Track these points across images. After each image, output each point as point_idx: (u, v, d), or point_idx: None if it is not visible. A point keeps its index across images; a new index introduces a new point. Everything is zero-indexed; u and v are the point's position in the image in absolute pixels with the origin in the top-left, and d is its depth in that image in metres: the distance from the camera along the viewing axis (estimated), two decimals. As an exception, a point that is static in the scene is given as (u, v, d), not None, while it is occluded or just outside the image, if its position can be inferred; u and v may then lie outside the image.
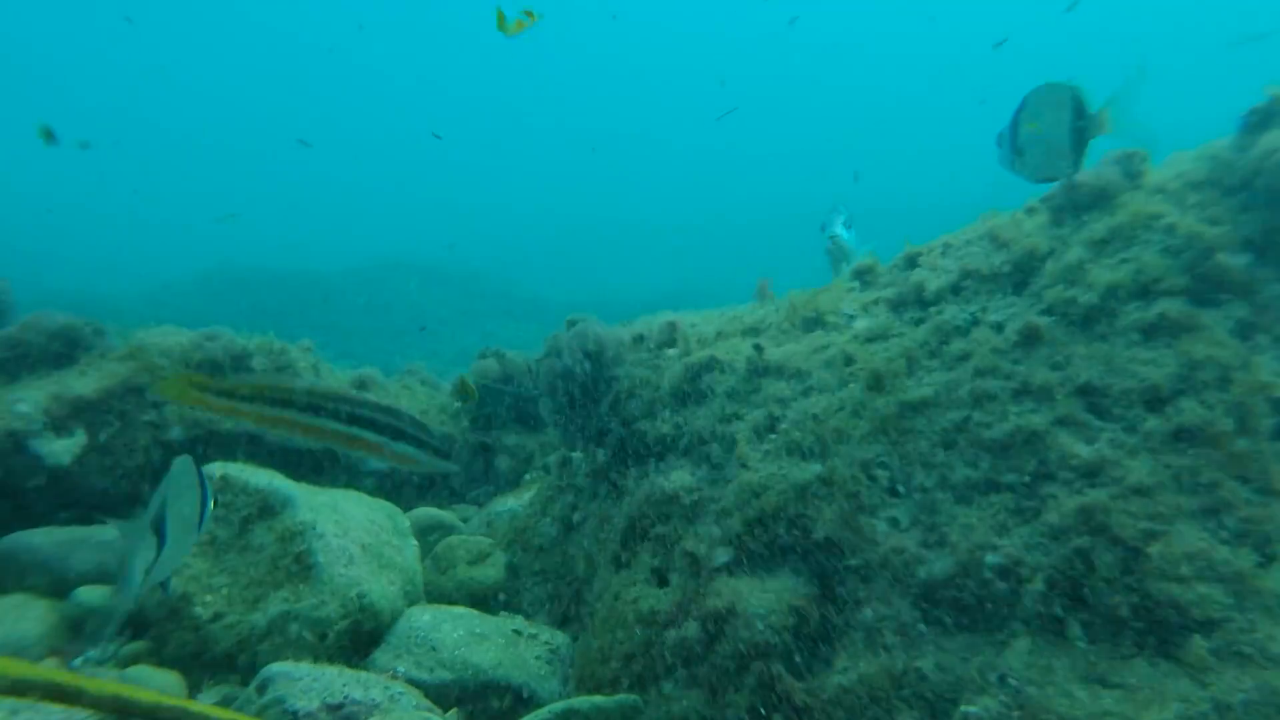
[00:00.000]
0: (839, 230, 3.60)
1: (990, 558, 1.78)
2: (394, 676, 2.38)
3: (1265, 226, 2.07)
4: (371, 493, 3.33)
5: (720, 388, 2.57)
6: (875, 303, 2.67)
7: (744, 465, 2.21)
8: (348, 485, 3.36)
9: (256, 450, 3.55)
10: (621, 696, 2.03)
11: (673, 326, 2.93)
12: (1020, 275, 2.36)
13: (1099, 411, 1.93)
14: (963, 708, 1.60)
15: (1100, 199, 2.36)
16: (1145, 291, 2.05)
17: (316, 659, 2.37)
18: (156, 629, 2.61)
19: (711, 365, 2.64)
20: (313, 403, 2.08)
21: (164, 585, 1.98)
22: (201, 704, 1.87)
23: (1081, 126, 2.13)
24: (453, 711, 2.34)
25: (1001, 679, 1.62)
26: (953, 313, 2.35)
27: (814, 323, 2.74)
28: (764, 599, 1.92)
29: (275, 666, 2.19)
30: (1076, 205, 2.39)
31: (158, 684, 2.37)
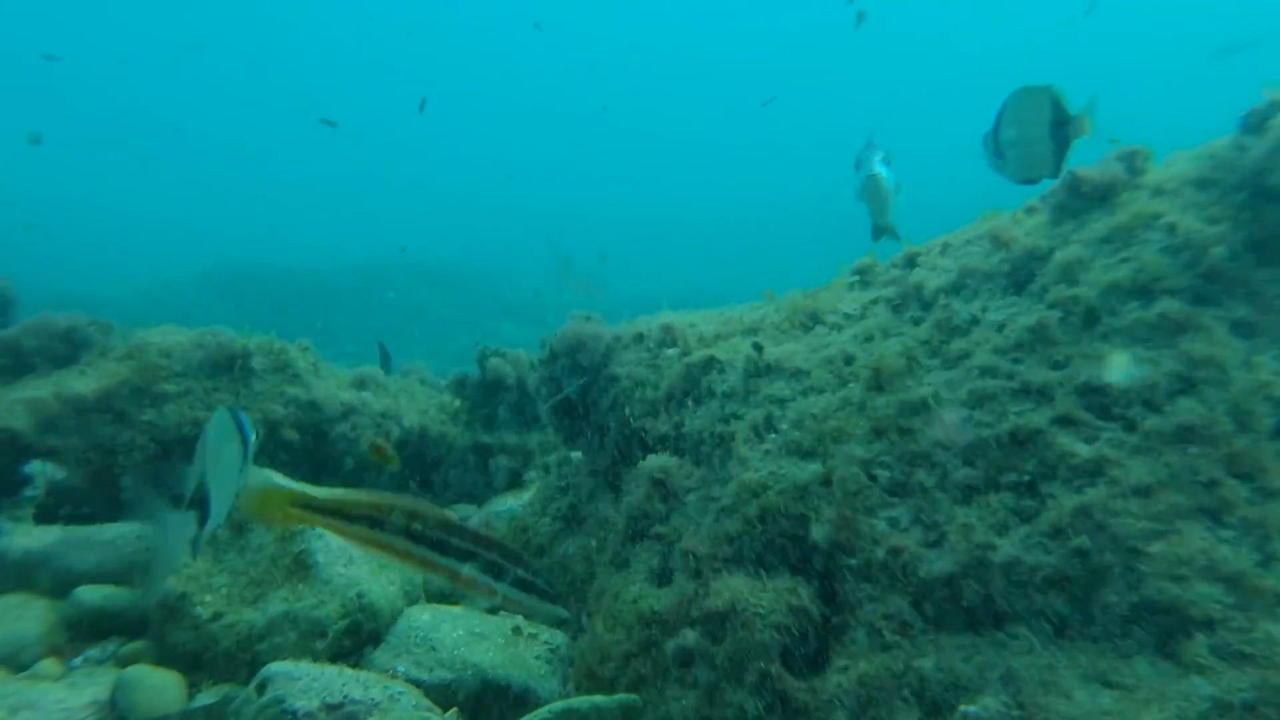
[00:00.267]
0: (878, 168, 3.10)
1: (990, 557, 1.78)
2: (394, 676, 2.38)
3: (1268, 225, 2.07)
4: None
5: (720, 388, 2.57)
6: (875, 302, 2.67)
7: (743, 465, 2.21)
8: (347, 484, 3.35)
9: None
10: (621, 696, 2.02)
11: (669, 328, 2.93)
12: (1020, 274, 2.36)
13: (1099, 411, 1.93)
14: (962, 707, 1.60)
15: (1102, 197, 2.35)
16: (1145, 290, 2.05)
17: (316, 658, 2.38)
18: (156, 628, 2.61)
19: (711, 365, 2.64)
20: (416, 530, 2.03)
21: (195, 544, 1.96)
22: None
23: (1062, 128, 2.14)
24: (452, 711, 2.34)
25: (1001, 678, 1.62)
26: (952, 312, 2.34)
27: (813, 322, 2.74)
28: (764, 599, 1.92)
29: (275, 666, 2.19)
30: (1078, 204, 2.39)
31: (156, 683, 2.37)
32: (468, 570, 2.04)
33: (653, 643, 2.10)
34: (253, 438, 1.94)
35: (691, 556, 2.14)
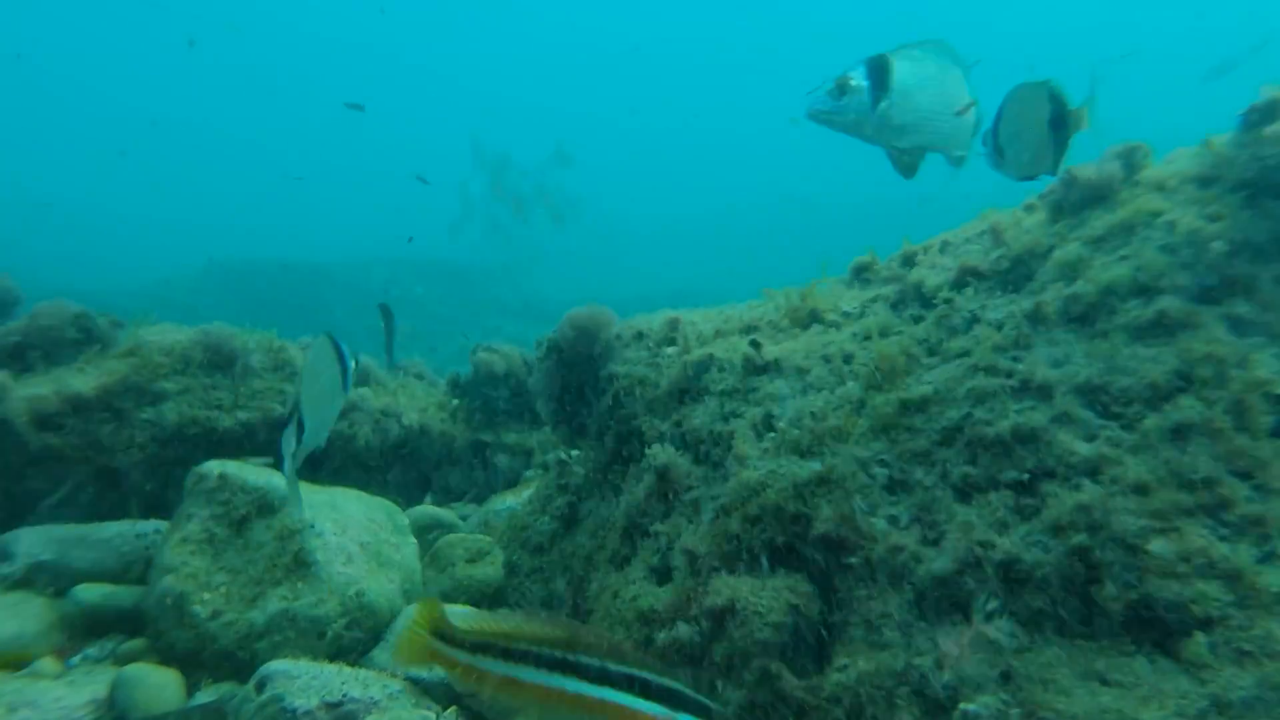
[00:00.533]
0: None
1: (990, 555, 1.78)
2: (393, 674, 2.38)
3: (1268, 222, 2.07)
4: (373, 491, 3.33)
5: (719, 386, 2.56)
6: (874, 300, 2.67)
7: (742, 463, 2.21)
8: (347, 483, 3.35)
9: (253, 447, 3.55)
10: (620, 694, 2.02)
11: (674, 324, 2.93)
12: (1020, 272, 2.36)
13: (1098, 409, 1.93)
14: (962, 705, 1.60)
15: (1100, 195, 2.35)
16: (1145, 289, 2.04)
17: (315, 657, 2.37)
18: (154, 627, 2.61)
19: (710, 363, 2.64)
20: (608, 670, 1.56)
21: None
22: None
23: (1061, 123, 2.10)
24: (451, 709, 2.34)
25: (1001, 676, 1.62)
26: (952, 310, 2.34)
27: (812, 320, 2.74)
28: (763, 597, 1.92)
29: (274, 664, 2.19)
30: (1076, 202, 2.39)
31: (155, 682, 2.37)
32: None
33: (652, 641, 2.10)
34: (352, 365, 1.98)
35: (691, 555, 2.14)
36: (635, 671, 1.55)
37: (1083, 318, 2.10)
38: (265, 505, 2.78)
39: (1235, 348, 1.90)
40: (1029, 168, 2.16)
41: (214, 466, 2.87)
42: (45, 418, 3.20)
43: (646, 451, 2.51)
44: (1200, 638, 1.55)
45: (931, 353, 2.27)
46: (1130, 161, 2.37)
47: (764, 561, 2.04)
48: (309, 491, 2.97)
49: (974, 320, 2.29)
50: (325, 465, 3.84)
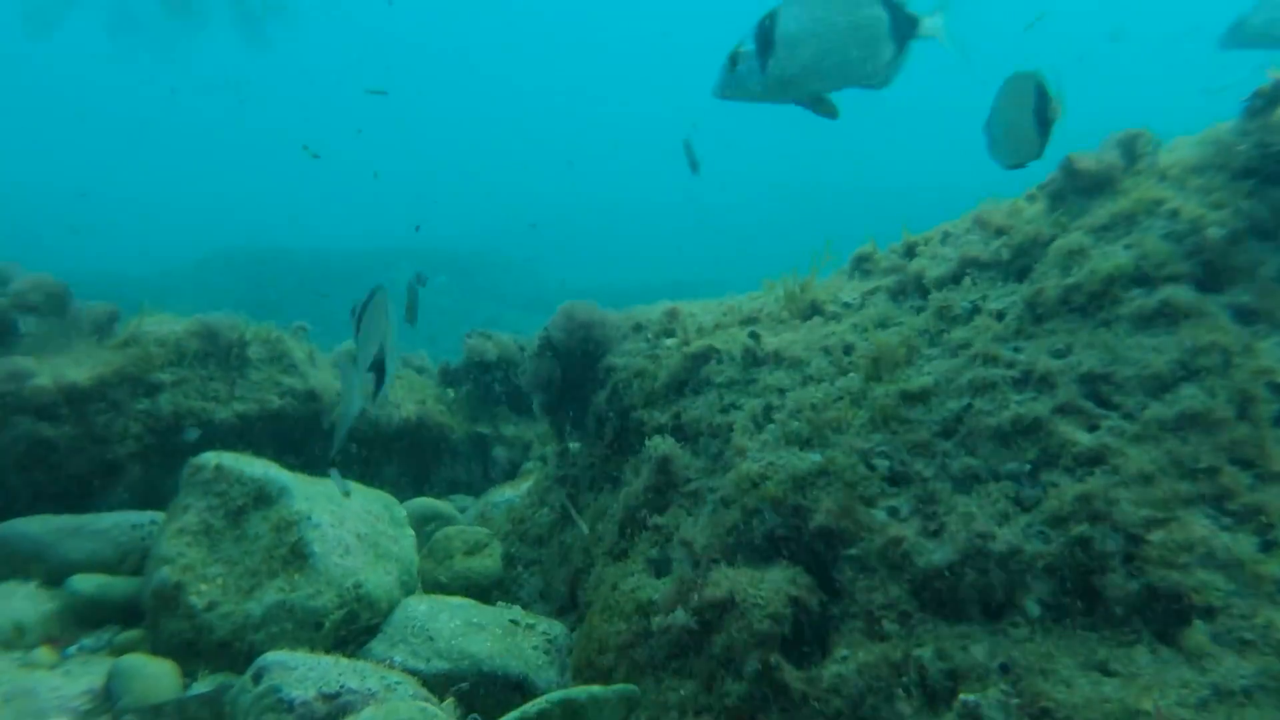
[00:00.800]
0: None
1: (990, 546, 1.77)
2: (391, 666, 2.37)
3: (1271, 210, 2.05)
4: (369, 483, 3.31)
5: (718, 378, 2.55)
6: (874, 291, 2.66)
7: (742, 455, 2.20)
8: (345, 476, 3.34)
9: (251, 440, 3.53)
10: (619, 686, 2.02)
11: (672, 315, 2.91)
12: (1021, 262, 2.34)
13: (1100, 399, 1.92)
14: (962, 696, 1.59)
15: (1099, 184, 2.34)
16: (1148, 278, 2.03)
17: (312, 648, 2.36)
18: (151, 618, 2.60)
19: (709, 355, 2.63)
20: None
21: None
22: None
23: (1045, 112, 2.09)
24: (449, 701, 2.34)
25: (1001, 667, 1.62)
26: (953, 300, 2.33)
27: (812, 311, 2.72)
28: (762, 589, 1.91)
29: (271, 655, 2.18)
30: (1075, 191, 2.37)
31: (151, 672, 2.36)
32: None
33: (650, 633, 2.10)
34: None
35: (690, 547, 2.13)
36: None
37: (1085, 307, 2.09)
38: (262, 496, 2.77)
39: (1238, 336, 1.89)
40: (1016, 156, 2.16)
41: (211, 457, 2.85)
42: (42, 408, 3.19)
43: (646, 443, 2.50)
44: (1201, 627, 1.54)
45: (932, 343, 2.26)
46: (1131, 149, 2.35)
47: (763, 553, 2.03)
48: (308, 482, 2.95)
49: (975, 310, 2.28)
50: (324, 458, 3.83)
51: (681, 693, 1.96)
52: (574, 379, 3.18)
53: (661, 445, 2.44)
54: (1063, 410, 1.91)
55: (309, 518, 2.72)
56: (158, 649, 2.53)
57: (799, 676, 1.79)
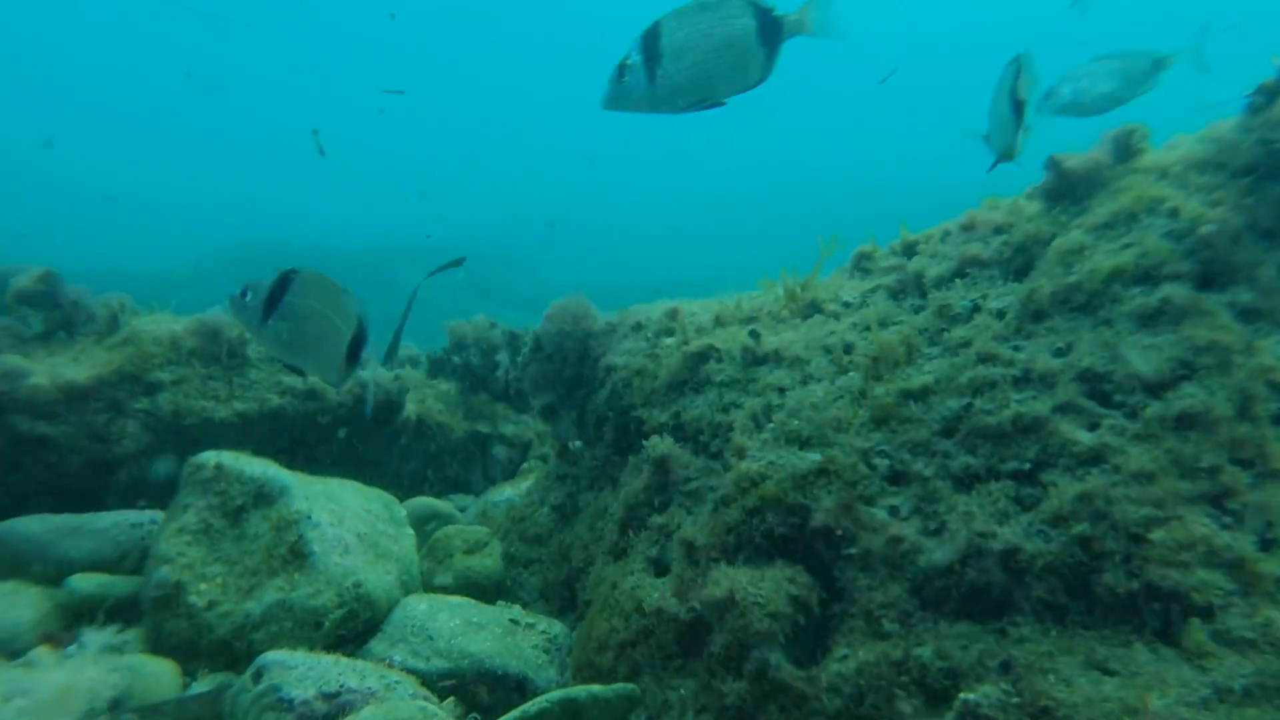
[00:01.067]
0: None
1: (990, 545, 1.77)
2: (390, 665, 2.37)
3: (1273, 208, 2.05)
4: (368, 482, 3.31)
5: (718, 377, 2.55)
6: (874, 290, 2.66)
7: (741, 454, 2.19)
8: (344, 474, 3.34)
9: (249, 439, 3.53)
10: (619, 685, 2.02)
11: (673, 314, 2.91)
12: (1021, 261, 2.34)
13: (1101, 398, 1.91)
14: (962, 695, 1.59)
15: (1088, 183, 2.34)
16: (1148, 276, 2.03)
17: (312, 647, 2.36)
18: (151, 617, 2.60)
19: (709, 354, 2.62)
20: None
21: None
22: None
23: (1019, 98, 2.12)
24: (449, 700, 2.34)
25: (1002, 666, 1.62)
26: (953, 299, 2.33)
27: (812, 310, 2.72)
28: (762, 588, 1.91)
29: (270, 655, 2.18)
30: (1064, 190, 2.38)
31: (151, 671, 2.36)
32: None
33: (650, 632, 2.10)
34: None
35: (690, 546, 2.13)
36: None
37: (1085, 306, 2.08)
38: (262, 496, 2.77)
39: (1239, 335, 1.88)
40: (998, 145, 2.17)
41: (210, 457, 2.85)
42: (40, 406, 3.19)
43: (645, 443, 2.49)
44: (1201, 626, 1.54)
45: (932, 342, 2.26)
46: (1123, 145, 2.35)
47: (763, 553, 2.03)
48: (308, 482, 2.95)
49: (975, 309, 2.28)
50: (324, 455, 3.83)
51: (681, 691, 1.96)
52: (570, 378, 3.18)
53: (660, 445, 2.44)
54: (1063, 409, 1.91)
55: (309, 517, 2.72)
56: (157, 648, 2.53)
57: (799, 675, 1.79)
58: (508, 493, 3.85)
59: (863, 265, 2.85)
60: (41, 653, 2.51)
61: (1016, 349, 2.08)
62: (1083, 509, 1.72)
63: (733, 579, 1.95)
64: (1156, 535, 1.64)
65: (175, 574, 2.57)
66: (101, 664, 2.40)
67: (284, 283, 2.12)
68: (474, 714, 2.29)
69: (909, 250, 2.73)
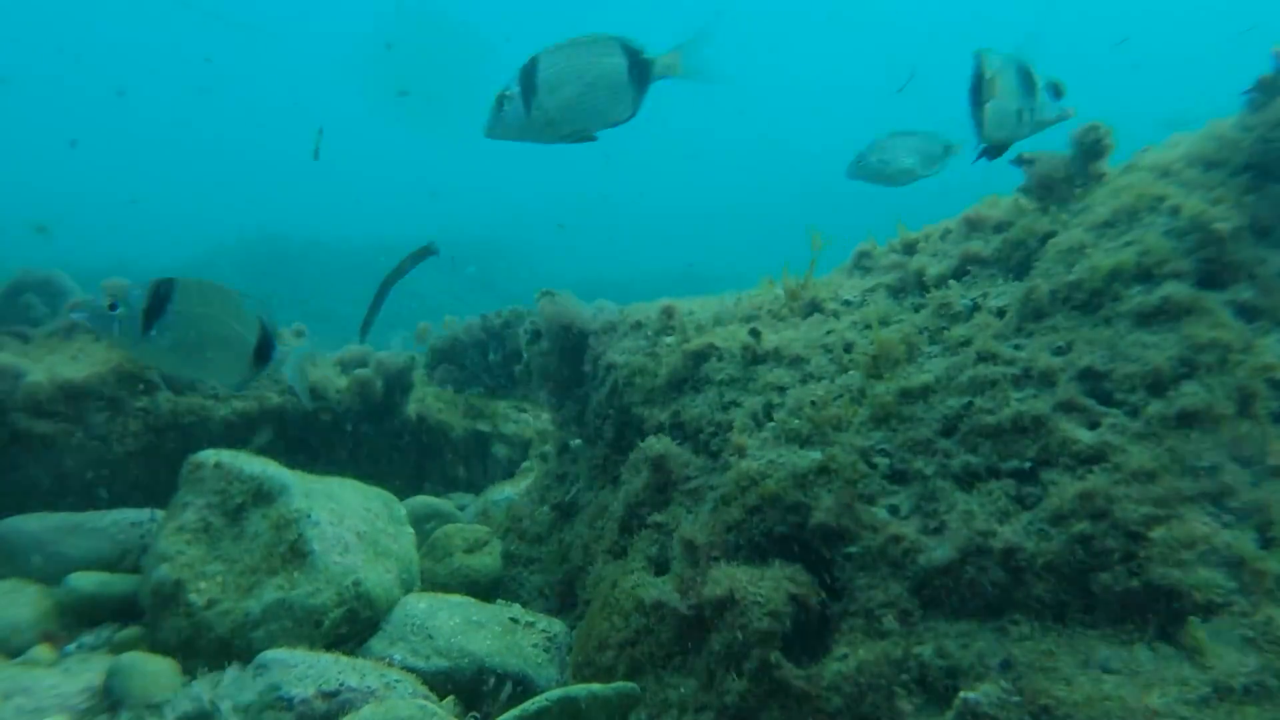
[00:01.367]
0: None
1: (991, 544, 1.76)
2: (390, 664, 2.37)
3: (1273, 206, 2.05)
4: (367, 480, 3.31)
5: (718, 375, 2.55)
6: (875, 289, 2.65)
7: (741, 453, 2.19)
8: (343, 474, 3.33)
9: (248, 438, 3.53)
10: (619, 684, 2.01)
11: (669, 312, 2.91)
12: (1021, 259, 2.34)
13: (1101, 396, 1.91)
14: (962, 693, 1.59)
15: (1054, 182, 2.37)
16: (1149, 274, 2.03)
17: (312, 646, 2.36)
18: (150, 616, 2.59)
19: (709, 353, 2.62)
20: None
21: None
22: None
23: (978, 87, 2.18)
24: (449, 699, 2.34)
25: (1002, 665, 1.61)
26: (953, 298, 2.33)
27: (812, 309, 2.72)
28: (762, 587, 1.91)
29: (270, 653, 2.18)
30: (1036, 189, 2.40)
31: (151, 670, 2.36)
32: None
33: (650, 630, 2.09)
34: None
35: (690, 545, 2.13)
36: None
37: (1085, 304, 2.08)
38: (261, 494, 2.76)
39: (1240, 333, 1.88)
40: (979, 137, 2.21)
41: (210, 455, 2.85)
42: (39, 405, 3.18)
43: (643, 443, 2.49)
44: (1201, 624, 1.54)
45: (932, 341, 2.26)
46: (1083, 145, 2.37)
47: (763, 551, 2.02)
48: (307, 480, 2.95)
49: (975, 308, 2.27)
50: (323, 455, 3.83)
51: (681, 690, 1.96)
52: (569, 377, 3.18)
53: (656, 445, 2.44)
54: (1063, 408, 1.91)
55: (308, 515, 2.72)
56: (157, 647, 2.52)
57: (799, 674, 1.79)
58: (508, 491, 3.85)
59: (863, 263, 2.85)
60: (41, 651, 2.51)
61: (1017, 347, 2.08)
62: (1083, 507, 1.72)
63: (733, 578, 1.95)
64: (1157, 534, 1.64)
65: (175, 572, 2.57)
66: (100, 663, 2.40)
67: (163, 293, 2.08)
68: (474, 713, 2.28)
69: (909, 249, 2.73)
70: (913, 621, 1.78)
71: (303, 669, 2.11)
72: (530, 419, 4.59)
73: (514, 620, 2.63)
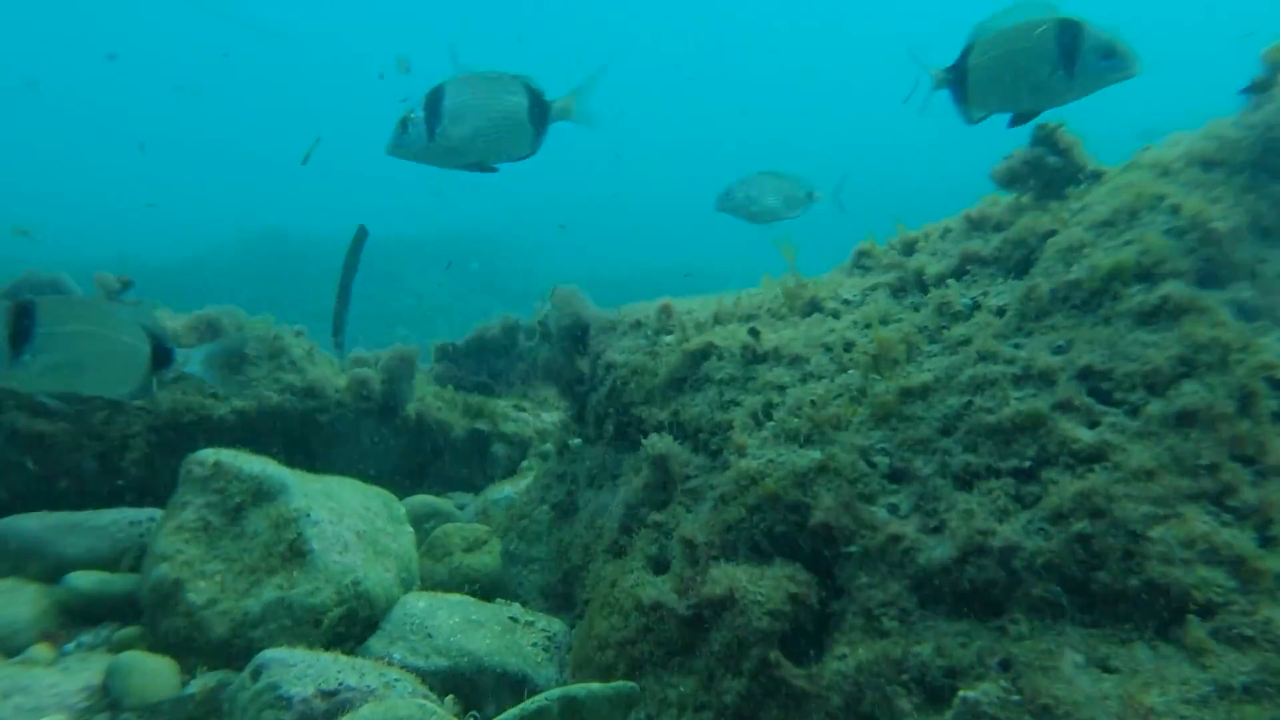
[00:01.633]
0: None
1: (990, 543, 1.76)
2: (389, 663, 2.37)
3: (1272, 205, 2.05)
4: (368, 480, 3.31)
5: (718, 374, 2.54)
6: (874, 288, 2.65)
7: (741, 452, 2.19)
8: (342, 473, 3.33)
9: (248, 437, 3.53)
10: (618, 683, 2.01)
11: (666, 311, 2.91)
12: (1021, 257, 2.34)
13: (1101, 395, 1.91)
14: (962, 693, 1.59)
15: (1022, 179, 2.47)
16: (1149, 274, 2.02)
17: (311, 645, 2.36)
18: (149, 615, 2.59)
19: (709, 352, 2.62)
20: None
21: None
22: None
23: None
24: (449, 698, 2.34)
25: (1001, 664, 1.61)
26: (953, 297, 2.32)
27: (812, 308, 2.72)
28: (762, 586, 1.90)
29: (269, 653, 2.18)
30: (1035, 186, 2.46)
31: (150, 669, 2.36)
32: None
33: (650, 630, 2.09)
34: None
35: (689, 544, 2.12)
36: None
37: (1085, 303, 2.08)
38: (261, 493, 2.76)
39: (1240, 332, 1.88)
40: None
41: (209, 454, 2.85)
42: (38, 404, 3.18)
43: (644, 441, 2.49)
44: (1201, 623, 1.54)
45: (932, 340, 2.25)
46: (1044, 139, 2.45)
47: (763, 551, 2.02)
48: (306, 479, 2.95)
49: (975, 307, 2.27)
50: (322, 453, 3.83)
51: (681, 689, 1.95)
52: (569, 376, 3.18)
53: (659, 444, 2.44)
54: (1063, 407, 1.90)
55: (307, 515, 2.72)
56: (156, 646, 2.52)
57: (799, 674, 1.79)
58: (507, 490, 3.85)
59: (862, 263, 2.85)
60: (39, 650, 2.51)
61: (1017, 346, 2.07)
62: (1083, 506, 1.72)
63: (732, 577, 1.94)
64: (1157, 532, 1.64)
65: (174, 571, 2.57)
66: (99, 662, 2.40)
67: (25, 318, 1.98)
68: (473, 712, 2.28)
69: (909, 248, 2.73)
70: (912, 620, 1.78)
71: (302, 668, 2.11)
72: (530, 418, 4.59)
73: (513, 619, 2.63)
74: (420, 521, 3.48)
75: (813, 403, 2.20)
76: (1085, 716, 1.46)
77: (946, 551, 1.80)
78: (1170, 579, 1.59)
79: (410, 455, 4.21)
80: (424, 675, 2.34)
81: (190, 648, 2.48)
